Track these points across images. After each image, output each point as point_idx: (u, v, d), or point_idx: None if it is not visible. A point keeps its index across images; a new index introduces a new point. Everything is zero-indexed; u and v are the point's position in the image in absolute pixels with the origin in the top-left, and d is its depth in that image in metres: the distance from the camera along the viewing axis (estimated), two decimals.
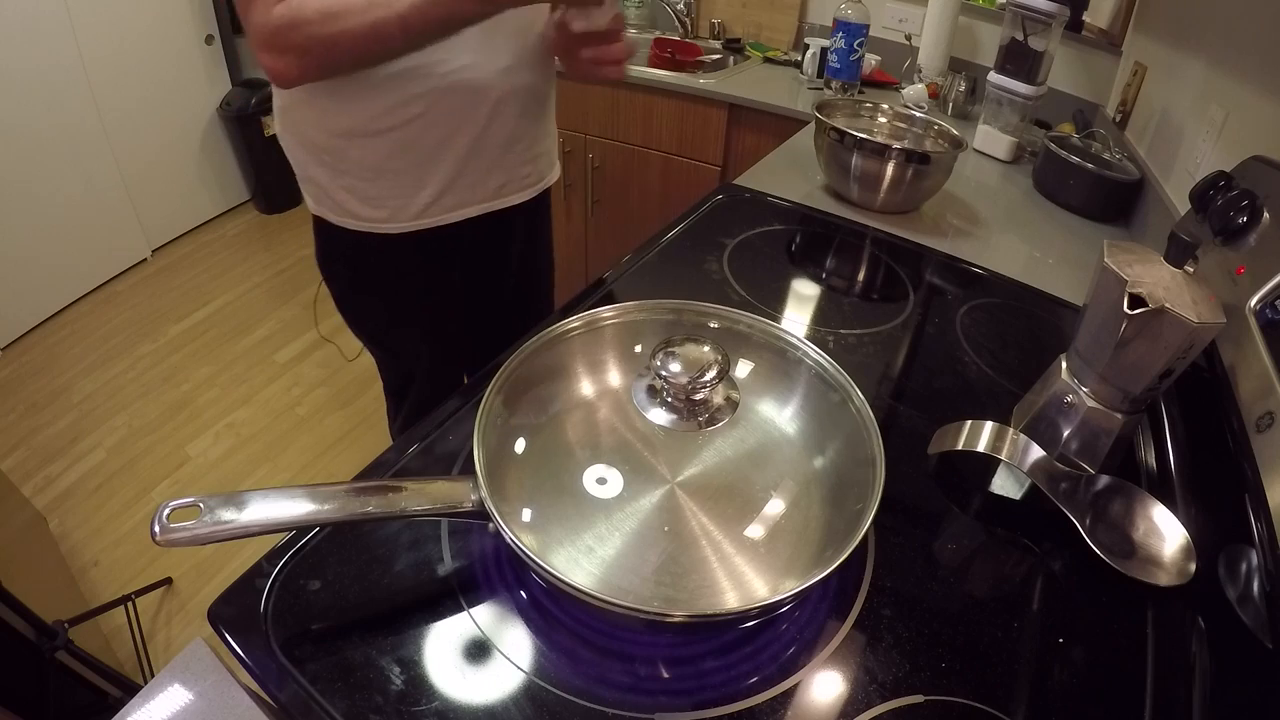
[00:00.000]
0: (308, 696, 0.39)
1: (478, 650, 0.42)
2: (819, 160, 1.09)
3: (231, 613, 0.44)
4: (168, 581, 1.51)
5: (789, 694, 0.41)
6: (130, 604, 1.39)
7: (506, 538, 0.39)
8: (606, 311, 0.56)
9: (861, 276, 0.92)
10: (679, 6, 1.99)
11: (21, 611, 1.04)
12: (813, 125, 1.08)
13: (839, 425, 0.52)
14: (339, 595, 0.46)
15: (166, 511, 0.37)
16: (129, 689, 1.16)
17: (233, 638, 0.42)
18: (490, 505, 0.41)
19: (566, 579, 0.38)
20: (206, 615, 0.44)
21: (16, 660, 1.01)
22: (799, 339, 0.55)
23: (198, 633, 0.42)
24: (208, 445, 1.82)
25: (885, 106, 1.16)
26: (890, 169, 0.99)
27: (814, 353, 0.54)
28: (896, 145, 0.99)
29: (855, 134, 0.98)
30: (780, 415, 0.56)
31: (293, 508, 0.40)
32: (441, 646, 0.42)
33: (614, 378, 0.57)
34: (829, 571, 0.39)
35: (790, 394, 0.56)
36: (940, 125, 1.10)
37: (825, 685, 0.42)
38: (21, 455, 1.78)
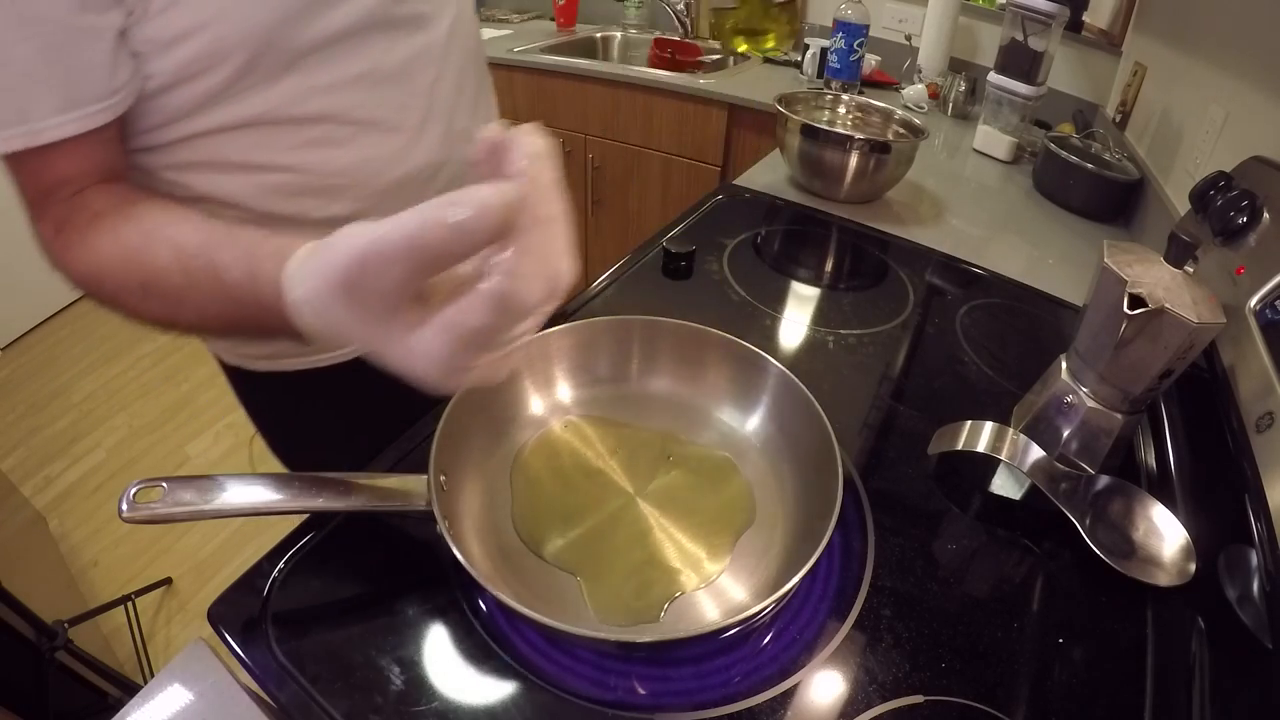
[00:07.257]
0: (308, 696, 0.39)
1: (478, 650, 0.42)
2: (782, 155, 1.10)
3: (231, 613, 0.44)
4: (168, 581, 1.51)
5: (789, 694, 0.41)
6: (130, 604, 1.39)
7: (458, 557, 0.39)
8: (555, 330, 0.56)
9: (861, 277, 0.92)
10: (679, 7, 1.99)
11: (21, 611, 1.04)
12: None
13: (801, 431, 0.52)
14: (339, 595, 0.46)
15: (134, 490, 0.39)
16: (129, 689, 1.17)
17: (233, 638, 0.42)
18: (439, 516, 0.41)
19: (516, 604, 0.37)
20: (206, 615, 0.44)
21: (16, 660, 1.01)
22: (759, 351, 0.55)
23: (198, 633, 0.42)
24: (208, 445, 1.82)
25: (845, 97, 1.18)
26: (854, 159, 1.00)
27: (774, 363, 0.54)
28: (859, 136, 1.00)
29: (822, 127, 1.00)
30: (743, 424, 0.57)
31: (250, 494, 0.41)
32: (441, 646, 0.42)
33: (563, 391, 0.58)
34: (804, 572, 0.39)
35: (754, 403, 0.56)
36: (899, 114, 1.11)
37: (825, 685, 0.42)
38: (21, 455, 1.78)
